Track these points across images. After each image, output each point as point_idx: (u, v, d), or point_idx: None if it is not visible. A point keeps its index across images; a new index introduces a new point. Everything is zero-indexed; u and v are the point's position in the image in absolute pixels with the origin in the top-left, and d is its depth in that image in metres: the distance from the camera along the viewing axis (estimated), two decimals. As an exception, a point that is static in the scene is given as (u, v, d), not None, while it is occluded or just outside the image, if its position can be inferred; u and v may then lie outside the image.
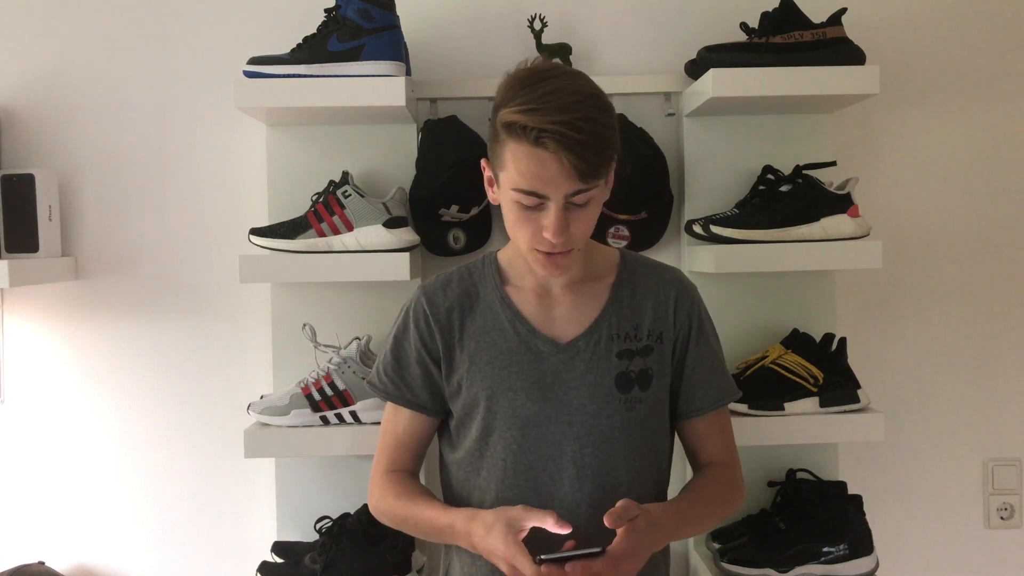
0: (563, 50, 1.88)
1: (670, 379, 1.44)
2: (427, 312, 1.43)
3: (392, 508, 1.43)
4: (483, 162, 1.40)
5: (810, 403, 1.76)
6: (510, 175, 1.28)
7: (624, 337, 1.40)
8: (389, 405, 1.48)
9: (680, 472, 1.53)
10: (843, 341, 1.80)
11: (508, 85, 1.29)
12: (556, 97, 1.23)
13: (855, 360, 1.82)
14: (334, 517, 1.81)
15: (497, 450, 1.38)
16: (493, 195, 1.38)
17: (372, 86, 1.69)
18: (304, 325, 1.79)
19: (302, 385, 1.77)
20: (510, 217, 1.33)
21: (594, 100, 1.28)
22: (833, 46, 1.75)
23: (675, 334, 1.43)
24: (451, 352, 1.42)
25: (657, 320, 1.42)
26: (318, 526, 1.80)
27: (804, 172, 1.79)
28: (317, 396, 1.75)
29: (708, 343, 1.46)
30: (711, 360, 1.46)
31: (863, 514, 1.79)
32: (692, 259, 1.89)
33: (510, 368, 1.38)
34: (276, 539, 1.87)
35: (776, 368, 1.77)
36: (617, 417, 1.37)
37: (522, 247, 1.36)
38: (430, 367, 1.43)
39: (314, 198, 1.80)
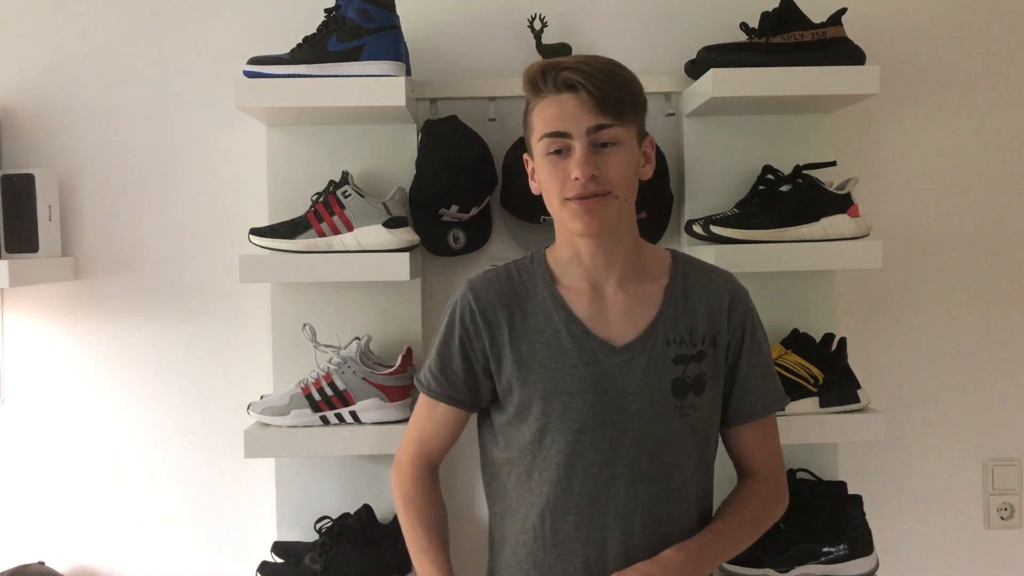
0: (563, 50, 1.88)
1: (722, 385, 1.43)
2: (473, 308, 1.42)
3: (409, 522, 1.46)
4: (525, 158, 1.45)
5: (810, 403, 1.76)
6: (538, 133, 1.35)
7: (680, 342, 1.38)
8: (423, 398, 1.49)
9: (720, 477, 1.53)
10: (843, 341, 1.80)
11: (529, 71, 1.38)
12: (575, 56, 1.40)
13: (855, 360, 1.81)
14: (334, 517, 1.81)
15: (551, 453, 1.37)
16: (535, 185, 1.43)
17: (372, 86, 1.69)
18: (304, 325, 1.79)
19: (302, 385, 1.77)
20: (544, 177, 1.37)
21: (613, 61, 1.39)
22: (833, 46, 1.75)
23: (728, 339, 1.42)
24: (499, 350, 1.40)
25: (711, 325, 1.41)
26: (318, 526, 1.80)
27: (804, 172, 1.79)
28: (317, 396, 1.75)
29: (760, 348, 1.45)
30: (763, 366, 1.46)
31: (863, 514, 1.79)
32: (692, 259, 1.89)
33: (565, 370, 1.36)
34: (276, 539, 1.87)
35: (776, 368, 1.77)
36: (672, 423, 1.37)
37: (556, 204, 1.36)
38: (474, 363, 1.42)
39: (314, 198, 1.79)
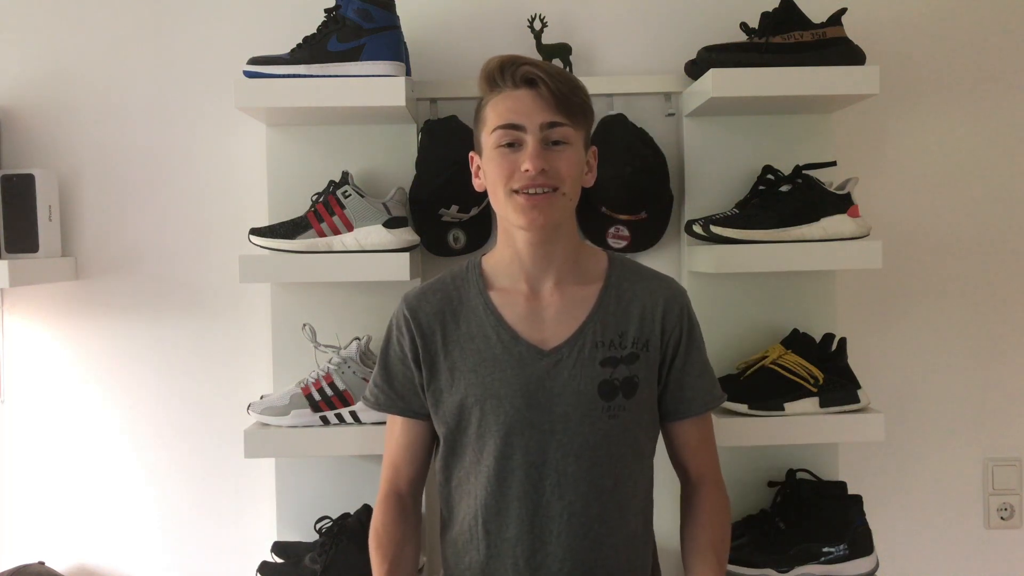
0: (563, 50, 1.88)
1: (658, 385, 1.44)
2: (408, 319, 1.44)
3: (372, 555, 1.46)
4: (471, 155, 1.46)
5: (810, 403, 1.76)
6: (490, 126, 1.37)
7: (608, 345, 1.39)
8: (387, 419, 1.51)
9: (667, 474, 1.53)
10: (843, 341, 1.80)
11: (487, 66, 1.40)
12: (532, 59, 1.39)
13: (855, 360, 1.82)
14: (334, 517, 1.81)
15: (483, 456, 1.39)
16: (479, 182, 1.44)
17: (372, 86, 1.69)
18: (304, 325, 1.79)
19: (302, 385, 1.77)
20: (492, 171, 1.37)
21: (567, 72, 1.44)
22: (833, 46, 1.75)
23: (663, 342, 1.42)
24: (432, 359, 1.43)
25: (643, 328, 1.41)
26: (318, 526, 1.80)
27: (804, 172, 1.79)
28: (317, 396, 1.76)
29: (698, 348, 1.47)
30: (700, 365, 1.47)
31: (863, 514, 1.79)
32: (692, 259, 1.89)
33: (494, 375, 1.38)
34: (276, 539, 1.87)
35: (776, 368, 1.77)
36: (600, 425, 1.37)
37: (502, 197, 1.37)
38: (414, 373, 1.45)
39: (314, 198, 1.80)
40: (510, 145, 1.35)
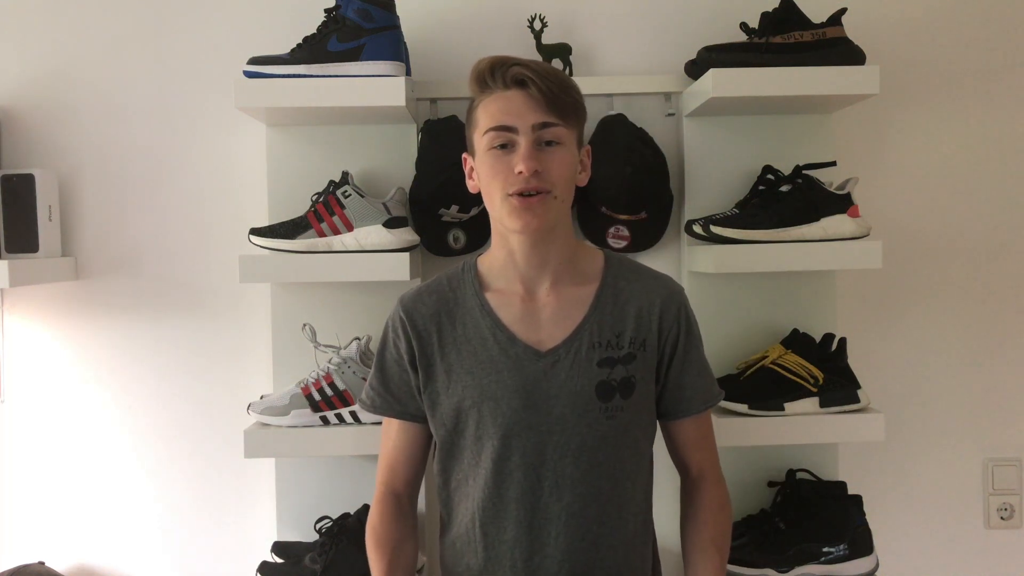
0: (563, 50, 1.88)
1: (656, 384, 1.43)
2: (404, 321, 1.44)
3: (370, 552, 1.46)
4: (464, 157, 1.46)
5: (810, 403, 1.76)
6: (482, 128, 1.36)
7: (605, 345, 1.39)
8: (383, 422, 1.50)
9: (667, 472, 1.53)
10: (843, 341, 1.80)
11: (477, 67, 1.39)
12: (522, 59, 1.38)
13: (855, 360, 1.82)
14: (334, 517, 1.81)
15: (481, 458, 1.39)
16: (473, 183, 1.43)
17: (372, 86, 1.69)
18: (304, 325, 1.79)
19: (302, 385, 1.77)
20: (485, 173, 1.37)
21: (558, 69, 1.44)
22: (833, 46, 1.75)
23: (660, 341, 1.42)
24: (429, 361, 1.42)
25: (640, 328, 1.41)
26: (318, 526, 1.80)
27: (804, 172, 1.79)
28: (317, 396, 1.76)
29: (696, 347, 1.46)
30: (699, 364, 1.46)
31: (863, 514, 1.79)
32: (692, 259, 1.89)
33: (491, 376, 1.38)
34: (276, 539, 1.87)
35: (776, 368, 1.77)
36: (598, 426, 1.37)
37: (496, 200, 1.37)
38: (410, 376, 1.44)
39: (314, 198, 1.80)
40: (502, 147, 1.35)
